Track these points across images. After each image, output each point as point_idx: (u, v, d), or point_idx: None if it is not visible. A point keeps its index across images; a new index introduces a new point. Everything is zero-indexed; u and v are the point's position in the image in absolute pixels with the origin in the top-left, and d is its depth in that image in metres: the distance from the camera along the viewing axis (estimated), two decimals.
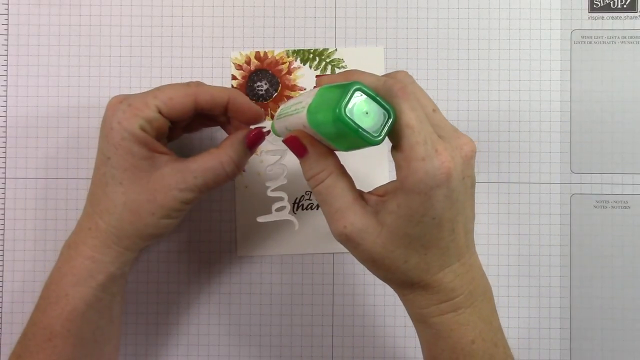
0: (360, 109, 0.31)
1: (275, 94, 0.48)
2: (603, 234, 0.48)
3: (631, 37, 0.48)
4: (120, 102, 0.38)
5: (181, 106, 0.38)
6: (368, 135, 0.31)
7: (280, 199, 0.41)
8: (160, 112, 0.37)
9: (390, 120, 0.31)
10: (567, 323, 0.48)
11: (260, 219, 0.41)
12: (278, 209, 0.41)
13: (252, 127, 0.41)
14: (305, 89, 0.48)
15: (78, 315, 0.38)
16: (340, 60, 0.48)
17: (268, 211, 0.40)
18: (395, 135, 0.32)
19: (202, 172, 0.38)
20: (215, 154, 0.38)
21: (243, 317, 0.48)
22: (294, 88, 0.48)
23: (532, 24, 0.48)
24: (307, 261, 0.48)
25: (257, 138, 0.40)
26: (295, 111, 0.35)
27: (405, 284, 0.35)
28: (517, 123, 0.48)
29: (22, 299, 0.48)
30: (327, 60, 0.48)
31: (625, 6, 0.48)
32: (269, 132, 0.41)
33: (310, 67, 0.48)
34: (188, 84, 0.39)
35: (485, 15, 0.48)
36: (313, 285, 0.48)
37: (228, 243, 0.48)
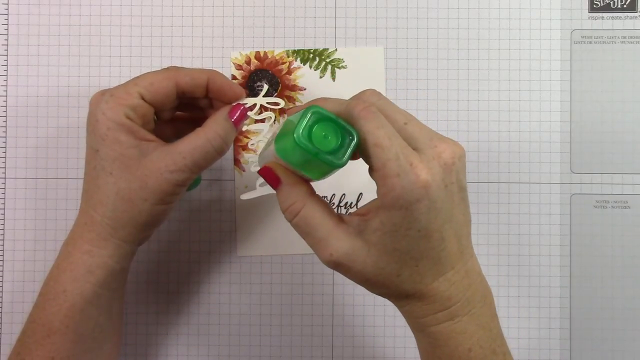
0: (319, 132, 0.31)
1: (275, 94, 0.48)
2: (603, 234, 0.48)
3: (631, 37, 0.48)
4: (102, 95, 0.38)
5: (163, 90, 0.38)
6: (329, 158, 0.31)
7: None
8: (143, 99, 0.38)
9: (353, 142, 0.31)
10: (567, 323, 0.48)
11: (244, 196, 0.41)
12: (262, 184, 0.41)
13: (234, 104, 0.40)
14: (305, 89, 0.48)
15: (77, 311, 0.38)
16: (340, 60, 0.48)
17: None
18: (367, 155, 0.32)
19: (190, 152, 0.38)
20: (201, 132, 0.38)
21: (243, 317, 0.48)
22: (294, 88, 0.48)
23: (532, 24, 0.48)
24: (307, 261, 0.48)
25: (240, 112, 0.40)
26: (268, 145, 0.36)
27: (401, 296, 0.35)
28: (517, 123, 0.48)
29: (22, 298, 0.48)
30: (327, 60, 0.48)
31: (625, 6, 0.48)
32: (251, 107, 0.40)
33: (310, 67, 0.48)
34: (167, 68, 0.39)
35: (485, 15, 0.48)
36: (313, 285, 0.48)
37: (228, 243, 0.48)
